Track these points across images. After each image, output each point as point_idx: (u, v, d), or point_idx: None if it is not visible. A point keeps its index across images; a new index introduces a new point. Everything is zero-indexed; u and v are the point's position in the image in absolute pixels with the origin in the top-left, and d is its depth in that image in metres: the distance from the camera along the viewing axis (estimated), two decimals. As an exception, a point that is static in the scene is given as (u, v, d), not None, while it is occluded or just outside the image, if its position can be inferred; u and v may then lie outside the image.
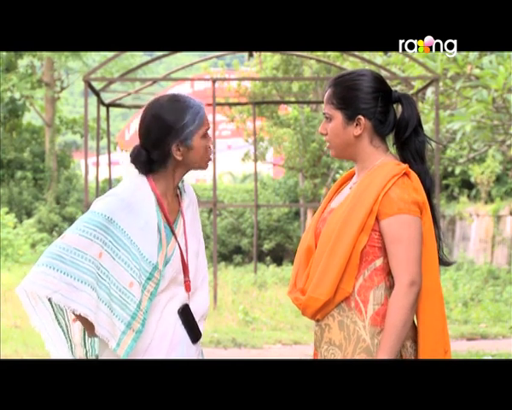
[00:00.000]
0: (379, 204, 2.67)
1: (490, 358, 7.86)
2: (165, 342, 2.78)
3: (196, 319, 2.86)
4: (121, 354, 2.70)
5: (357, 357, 2.68)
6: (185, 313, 2.82)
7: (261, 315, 10.77)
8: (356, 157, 2.80)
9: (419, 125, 2.79)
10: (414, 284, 2.64)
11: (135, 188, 2.79)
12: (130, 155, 2.81)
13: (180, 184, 2.90)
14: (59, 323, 2.77)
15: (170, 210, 2.84)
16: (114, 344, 2.69)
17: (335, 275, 2.68)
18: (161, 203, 2.80)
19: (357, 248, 2.68)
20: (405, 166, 2.73)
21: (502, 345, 9.00)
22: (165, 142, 2.75)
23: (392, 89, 2.81)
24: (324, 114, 2.80)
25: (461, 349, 8.64)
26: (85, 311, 2.65)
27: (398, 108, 2.83)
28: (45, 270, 2.64)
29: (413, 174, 2.73)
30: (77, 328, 2.80)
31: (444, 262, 2.85)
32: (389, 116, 2.78)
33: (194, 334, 2.84)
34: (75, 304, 2.65)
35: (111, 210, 2.72)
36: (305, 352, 8.60)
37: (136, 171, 2.80)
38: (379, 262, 2.71)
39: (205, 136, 2.79)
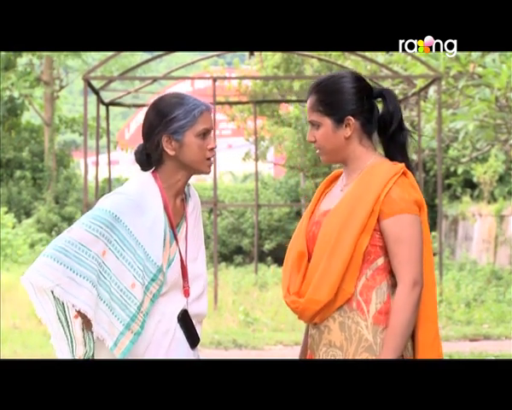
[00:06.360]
0: (380, 204, 2.67)
1: (493, 359, 7.82)
2: (163, 345, 2.76)
3: (193, 321, 2.84)
4: (118, 354, 2.67)
5: (359, 357, 2.67)
6: (184, 319, 2.80)
7: (262, 316, 10.72)
8: (347, 159, 2.79)
9: (401, 118, 2.80)
10: (417, 284, 2.65)
11: (144, 188, 2.77)
12: (134, 153, 2.82)
13: (186, 189, 2.88)
14: (59, 318, 2.68)
15: (174, 213, 2.81)
16: (111, 343, 2.66)
17: (336, 277, 2.66)
18: (167, 205, 2.78)
19: (359, 249, 2.68)
20: (402, 165, 2.74)
21: (505, 346, 8.96)
22: (154, 132, 2.76)
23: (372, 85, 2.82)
24: (311, 121, 2.79)
25: (463, 350, 8.61)
26: (85, 307, 2.61)
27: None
28: (49, 261, 2.60)
29: (409, 173, 2.74)
30: (78, 326, 2.68)
31: None
32: (374, 113, 2.79)
33: (193, 339, 2.83)
34: (75, 299, 2.61)
35: (119, 208, 2.69)
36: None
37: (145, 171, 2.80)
38: (380, 261, 2.71)
39: (202, 136, 2.77)
